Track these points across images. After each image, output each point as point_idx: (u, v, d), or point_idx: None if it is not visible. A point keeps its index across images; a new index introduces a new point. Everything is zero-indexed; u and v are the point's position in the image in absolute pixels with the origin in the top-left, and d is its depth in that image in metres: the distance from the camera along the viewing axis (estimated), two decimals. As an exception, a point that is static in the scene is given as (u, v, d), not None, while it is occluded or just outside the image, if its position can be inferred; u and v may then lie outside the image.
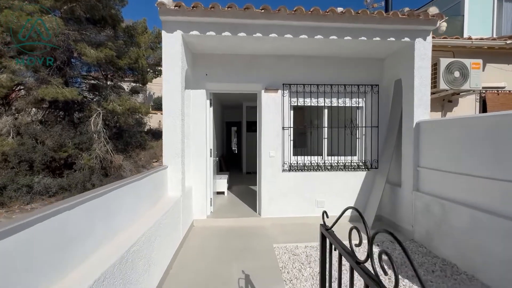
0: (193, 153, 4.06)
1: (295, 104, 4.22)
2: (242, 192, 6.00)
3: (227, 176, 6.17)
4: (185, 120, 3.58)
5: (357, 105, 4.35)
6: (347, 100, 4.30)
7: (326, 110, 4.38)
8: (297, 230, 3.86)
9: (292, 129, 4.24)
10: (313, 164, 4.28)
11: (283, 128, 4.16)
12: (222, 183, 5.72)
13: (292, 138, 4.26)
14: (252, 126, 9.01)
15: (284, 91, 4.14)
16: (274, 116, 4.15)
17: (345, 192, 4.27)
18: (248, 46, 3.73)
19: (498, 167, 2.42)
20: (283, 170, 4.18)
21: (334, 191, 4.26)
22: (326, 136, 4.39)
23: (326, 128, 4.37)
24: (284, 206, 4.19)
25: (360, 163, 4.36)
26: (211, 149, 4.31)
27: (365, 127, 4.34)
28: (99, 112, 10.73)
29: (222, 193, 5.75)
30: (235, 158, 13.07)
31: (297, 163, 4.25)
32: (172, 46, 3.21)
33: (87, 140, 10.20)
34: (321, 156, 4.40)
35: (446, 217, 2.97)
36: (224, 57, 4.04)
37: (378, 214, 4.09)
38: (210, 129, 4.27)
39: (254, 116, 8.84)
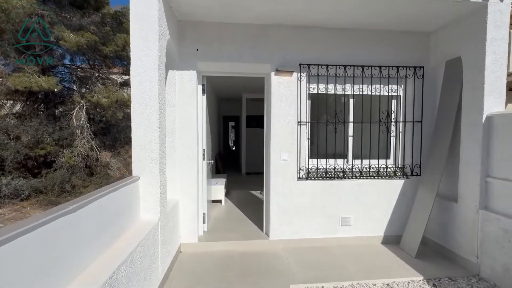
0: (180, 155, 3.04)
1: (314, 91, 3.22)
2: (243, 200, 5.02)
3: (224, 180, 5.17)
4: (166, 111, 2.57)
5: (394, 93, 3.36)
6: (381, 87, 3.31)
7: (352, 100, 3.39)
8: (319, 259, 2.90)
9: (309, 124, 3.26)
10: (336, 170, 3.30)
11: (299, 122, 3.17)
12: (219, 189, 4.73)
13: (309, 136, 3.28)
14: (253, 121, 8.02)
15: (301, 74, 3.13)
16: (288, 107, 3.14)
17: (377, 207, 3.32)
18: (254, 10, 2.70)
19: None
20: (299, 178, 3.20)
21: (362, 204, 3.30)
22: (352, 134, 3.41)
23: (352, 124, 3.39)
24: (299, 224, 3.22)
25: (397, 169, 3.40)
26: (204, 150, 3.31)
27: (405, 122, 3.36)
28: (83, 105, 9.60)
29: (219, 201, 4.77)
30: (233, 156, 12.07)
31: (317, 169, 3.26)
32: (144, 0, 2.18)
33: (68, 136, 9.10)
34: (345, 160, 3.43)
35: (547, 254, 2.03)
36: (221, 27, 3.00)
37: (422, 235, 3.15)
38: (203, 124, 3.27)
39: (255, 110, 7.90)
